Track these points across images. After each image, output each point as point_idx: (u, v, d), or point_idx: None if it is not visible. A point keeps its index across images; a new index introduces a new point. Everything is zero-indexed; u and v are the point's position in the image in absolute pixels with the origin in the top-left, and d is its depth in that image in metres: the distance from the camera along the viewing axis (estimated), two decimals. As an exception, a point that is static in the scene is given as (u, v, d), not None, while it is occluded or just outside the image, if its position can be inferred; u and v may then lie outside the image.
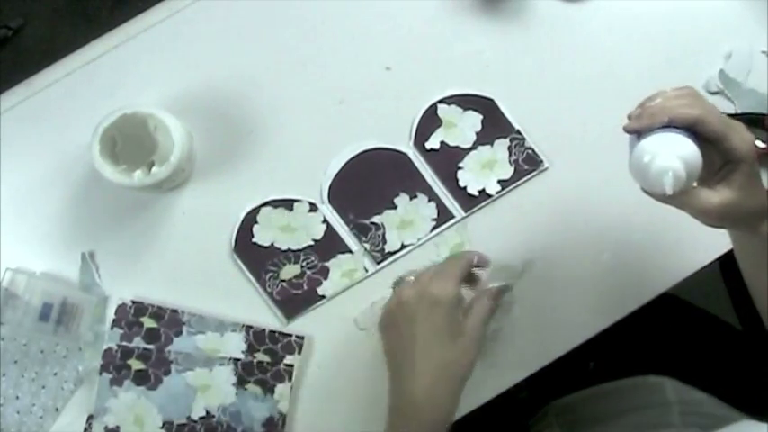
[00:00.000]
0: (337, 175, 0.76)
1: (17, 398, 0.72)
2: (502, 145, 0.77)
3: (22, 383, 0.73)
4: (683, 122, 0.53)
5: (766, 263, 0.61)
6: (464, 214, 0.76)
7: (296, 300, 0.74)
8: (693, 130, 0.53)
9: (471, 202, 0.76)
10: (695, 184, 0.55)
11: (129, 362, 0.72)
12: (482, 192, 0.76)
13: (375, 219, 0.76)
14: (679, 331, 0.91)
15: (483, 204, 0.76)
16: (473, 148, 0.77)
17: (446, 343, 0.60)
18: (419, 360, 0.59)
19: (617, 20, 0.79)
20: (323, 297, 0.74)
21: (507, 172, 0.76)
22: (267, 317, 0.74)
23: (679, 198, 0.54)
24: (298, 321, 0.74)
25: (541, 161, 0.77)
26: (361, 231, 0.75)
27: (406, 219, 0.76)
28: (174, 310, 0.73)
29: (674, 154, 0.52)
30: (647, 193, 0.56)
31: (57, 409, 0.72)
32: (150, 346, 0.73)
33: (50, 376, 0.73)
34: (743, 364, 0.88)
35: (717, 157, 0.55)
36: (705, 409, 0.76)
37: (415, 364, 0.59)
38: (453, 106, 0.78)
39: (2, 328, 0.72)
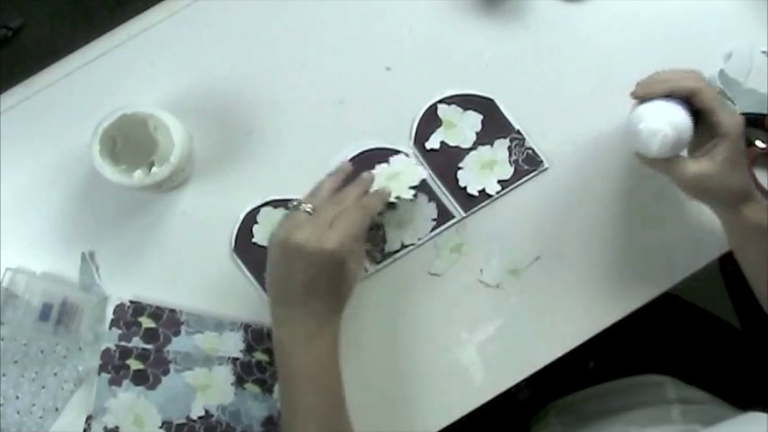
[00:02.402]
0: (337, 175, 0.76)
1: (17, 398, 0.72)
2: (502, 145, 0.77)
3: (22, 383, 0.73)
4: (681, 93, 0.58)
5: (756, 250, 0.62)
6: (464, 214, 0.76)
7: (296, 300, 0.74)
8: (690, 102, 0.58)
9: (471, 202, 0.76)
10: (684, 153, 0.59)
11: (128, 362, 0.72)
12: (482, 192, 0.76)
13: (375, 219, 0.76)
14: (679, 331, 0.91)
15: (483, 204, 0.76)
16: (473, 148, 0.77)
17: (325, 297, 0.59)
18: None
19: (617, 20, 0.79)
20: (323, 297, 0.74)
21: (507, 172, 0.76)
22: (267, 317, 0.74)
23: (664, 164, 0.60)
24: (297, 321, 0.74)
25: (541, 161, 0.77)
26: (360, 231, 0.75)
27: (406, 219, 0.76)
28: (173, 310, 0.73)
29: (666, 119, 0.58)
30: (638, 156, 0.62)
31: (57, 409, 0.72)
32: (149, 346, 0.73)
33: (50, 376, 0.73)
34: (743, 364, 0.88)
35: (708, 136, 0.59)
36: (705, 408, 0.77)
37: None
38: (453, 106, 0.78)
39: (2, 328, 0.72)
